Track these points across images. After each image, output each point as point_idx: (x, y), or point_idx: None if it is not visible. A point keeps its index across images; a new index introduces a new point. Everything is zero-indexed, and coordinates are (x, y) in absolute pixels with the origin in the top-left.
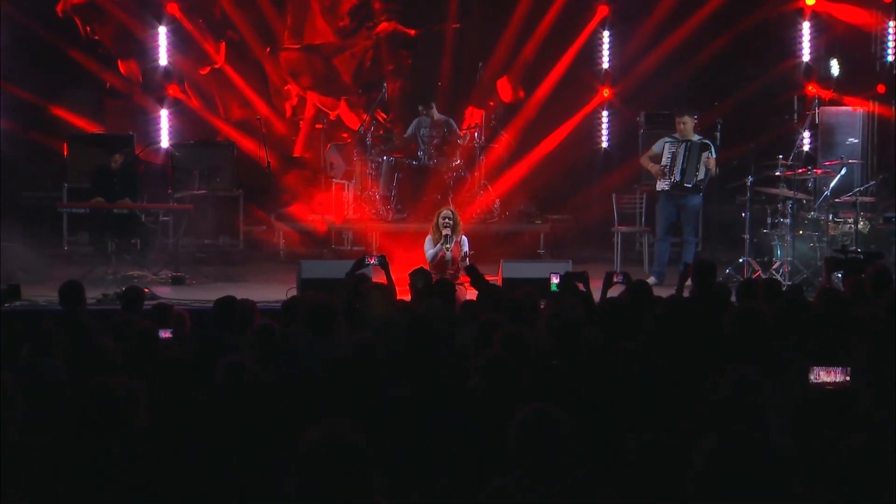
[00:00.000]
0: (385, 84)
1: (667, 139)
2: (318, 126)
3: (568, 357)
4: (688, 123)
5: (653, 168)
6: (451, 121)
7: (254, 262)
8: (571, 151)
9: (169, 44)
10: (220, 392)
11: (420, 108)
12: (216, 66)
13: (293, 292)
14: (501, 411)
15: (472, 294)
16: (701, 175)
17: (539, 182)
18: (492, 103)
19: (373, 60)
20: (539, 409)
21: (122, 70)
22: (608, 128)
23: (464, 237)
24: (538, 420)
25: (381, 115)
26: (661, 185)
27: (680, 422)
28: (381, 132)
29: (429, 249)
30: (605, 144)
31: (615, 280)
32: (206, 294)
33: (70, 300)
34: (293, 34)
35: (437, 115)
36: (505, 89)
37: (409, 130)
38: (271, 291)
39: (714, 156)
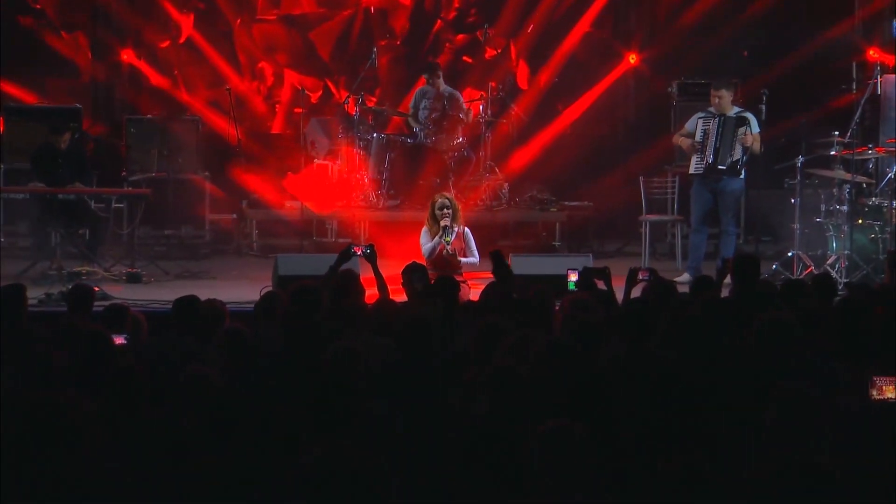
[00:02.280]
0: (375, 52)
1: (700, 114)
2: (297, 110)
3: (587, 366)
4: (724, 97)
5: (685, 143)
6: (458, 94)
7: (222, 255)
8: (592, 128)
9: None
10: (181, 407)
11: (425, 76)
12: (180, 41)
13: (269, 290)
14: (510, 428)
15: (475, 294)
16: (737, 155)
17: (554, 163)
18: (493, 83)
19: (360, 33)
20: (560, 427)
21: (66, 40)
22: (635, 100)
23: (466, 228)
24: (559, 439)
25: (370, 101)
26: (695, 167)
27: (719, 443)
28: (370, 118)
29: (426, 244)
30: (630, 119)
31: (640, 277)
32: (165, 293)
33: (9, 307)
34: (269, 2)
35: (443, 85)
36: (522, 72)
37: (413, 105)
38: (242, 290)
39: (755, 131)
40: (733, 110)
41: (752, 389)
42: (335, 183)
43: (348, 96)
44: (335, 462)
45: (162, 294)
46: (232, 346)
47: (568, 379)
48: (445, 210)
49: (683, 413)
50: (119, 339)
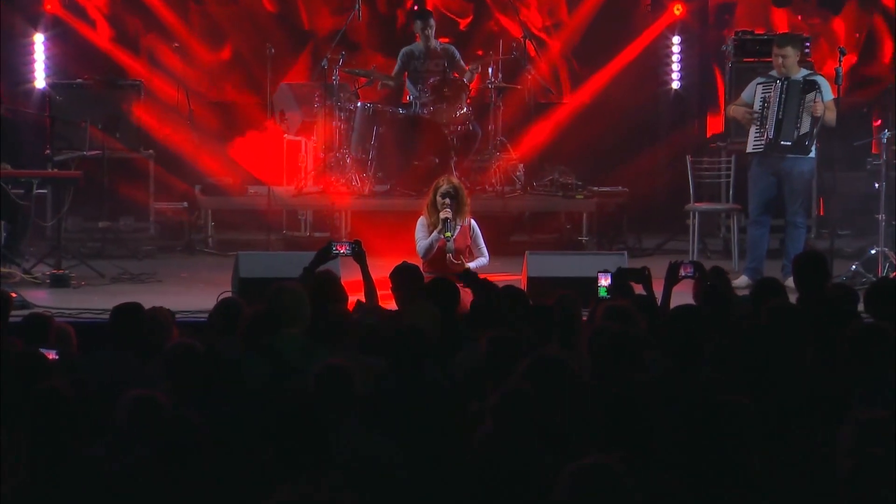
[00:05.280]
0: (359, 4)
1: (759, 79)
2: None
3: (621, 391)
4: (790, 57)
5: (740, 113)
6: (455, 50)
7: (169, 254)
8: (627, 96)
9: None
10: (122, 438)
11: (416, 23)
12: None
13: (227, 296)
14: (522, 466)
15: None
16: (805, 128)
17: (580, 140)
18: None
19: None
20: (596, 466)
21: None
22: (680, 61)
23: (473, 222)
24: (595, 479)
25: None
26: (753, 144)
27: (783, 481)
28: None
29: (421, 238)
30: (675, 85)
31: (683, 273)
32: (100, 300)
33: None
34: None
35: (434, 41)
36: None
37: (398, 67)
38: (195, 296)
39: (828, 98)
40: (800, 73)
41: (817, 415)
42: (310, 164)
43: (326, 56)
44: None
45: (95, 301)
46: (182, 365)
47: (597, 407)
48: (447, 199)
49: (740, 449)
50: (50, 355)
